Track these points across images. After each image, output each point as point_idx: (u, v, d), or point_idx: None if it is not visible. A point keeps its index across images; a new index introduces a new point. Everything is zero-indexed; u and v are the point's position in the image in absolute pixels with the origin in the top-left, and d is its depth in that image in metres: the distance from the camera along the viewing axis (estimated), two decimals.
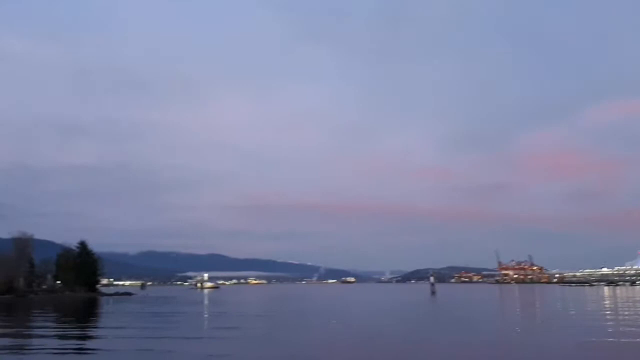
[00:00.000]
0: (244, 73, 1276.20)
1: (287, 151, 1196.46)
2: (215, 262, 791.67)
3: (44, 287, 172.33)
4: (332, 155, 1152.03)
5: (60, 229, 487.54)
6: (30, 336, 44.53)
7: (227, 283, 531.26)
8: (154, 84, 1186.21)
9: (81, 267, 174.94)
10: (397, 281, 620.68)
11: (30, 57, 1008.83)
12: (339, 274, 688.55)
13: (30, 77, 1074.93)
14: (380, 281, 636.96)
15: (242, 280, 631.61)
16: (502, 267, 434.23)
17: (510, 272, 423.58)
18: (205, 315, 70.01)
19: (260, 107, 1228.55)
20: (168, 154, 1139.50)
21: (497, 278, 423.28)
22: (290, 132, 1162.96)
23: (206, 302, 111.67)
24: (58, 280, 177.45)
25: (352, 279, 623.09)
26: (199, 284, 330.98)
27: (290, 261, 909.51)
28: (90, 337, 44.18)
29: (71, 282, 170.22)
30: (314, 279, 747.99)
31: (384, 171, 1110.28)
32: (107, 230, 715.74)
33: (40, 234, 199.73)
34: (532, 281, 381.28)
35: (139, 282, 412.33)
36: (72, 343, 39.48)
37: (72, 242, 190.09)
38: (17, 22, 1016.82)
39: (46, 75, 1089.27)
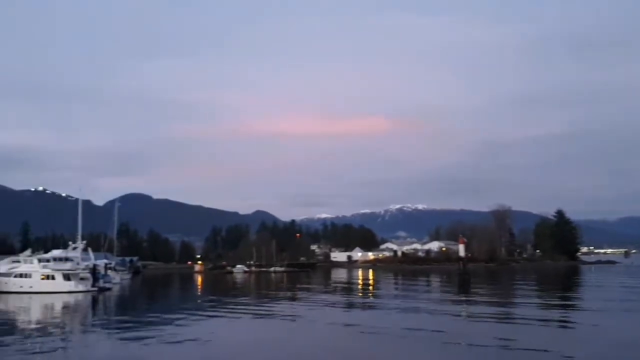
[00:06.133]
0: None
1: None
2: None
3: (524, 255, 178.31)
4: None
5: (536, 199, 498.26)
6: (514, 304, 44.81)
7: None
8: (612, 43, 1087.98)
9: (559, 235, 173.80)
10: None
11: (483, 40, 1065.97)
12: None
13: (482, 59, 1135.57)
14: None
15: None
16: None
17: None
18: None
19: None
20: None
21: None
22: None
23: None
24: (537, 249, 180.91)
25: None
26: None
27: None
28: (571, 307, 41.70)
29: (550, 250, 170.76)
30: None
31: None
32: (582, 197, 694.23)
33: (517, 205, 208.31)
34: None
35: (621, 250, 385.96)
36: (554, 313, 37.39)
37: (548, 211, 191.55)
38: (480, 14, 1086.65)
39: (499, 53, 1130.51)
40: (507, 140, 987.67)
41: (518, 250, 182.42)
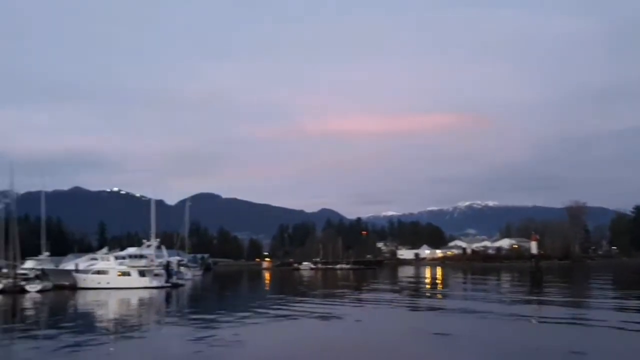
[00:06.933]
0: None
1: None
2: None
3: (599, 252, 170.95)
4: None
5: (613, 195, 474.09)
6: (590, 305, 42.61)
7: None
8: None
9: (637, 231, 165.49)
10: None
11: (556, 32, 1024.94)
12: None
13: (555, 51, 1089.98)
14: None
15: None
16: None
17: None
18: None
19: None
20: None
21: None
22: None
23: None
24: (613, 246, 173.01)
25: None
26: None
27: None
28: None
29: (627, 247, 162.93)
30: None
31: None
32: None
33: (592, 201, 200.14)
34: None
35: None
36: (633, 316, 35.29)
37: (625, 207, 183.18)
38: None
39: (573, 45, 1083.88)
40: (581, 135, 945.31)
41: (593, 247, 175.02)
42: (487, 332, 24.87)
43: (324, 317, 31.85)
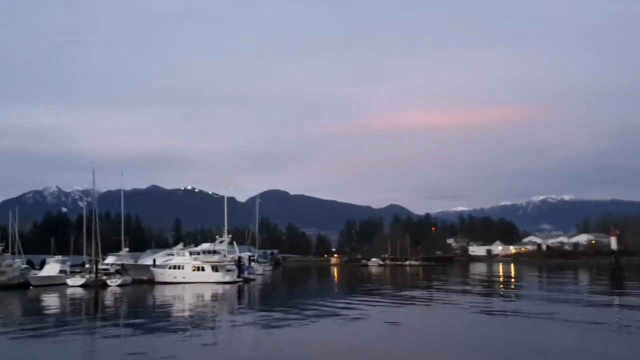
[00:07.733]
0: None
1: None
2: None
3: None
4: None
5: None
6: None
7: None
8: None
9: None
10: None
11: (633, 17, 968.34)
12: None
13: (634, 37, 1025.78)
14: None
15: None
16: None
17: None
18: None
19: None
20: None
21: None
22: None
23: None
24: None
25: None
26: None
27: None
28: None
29: None
30: None
31: None
32: None
33: None
34: None
35: None
36: None
37: None
38: None
39: None
40: None
41: None
42: (557, 346, 23.75)
43: (391, 322, 31.38)
